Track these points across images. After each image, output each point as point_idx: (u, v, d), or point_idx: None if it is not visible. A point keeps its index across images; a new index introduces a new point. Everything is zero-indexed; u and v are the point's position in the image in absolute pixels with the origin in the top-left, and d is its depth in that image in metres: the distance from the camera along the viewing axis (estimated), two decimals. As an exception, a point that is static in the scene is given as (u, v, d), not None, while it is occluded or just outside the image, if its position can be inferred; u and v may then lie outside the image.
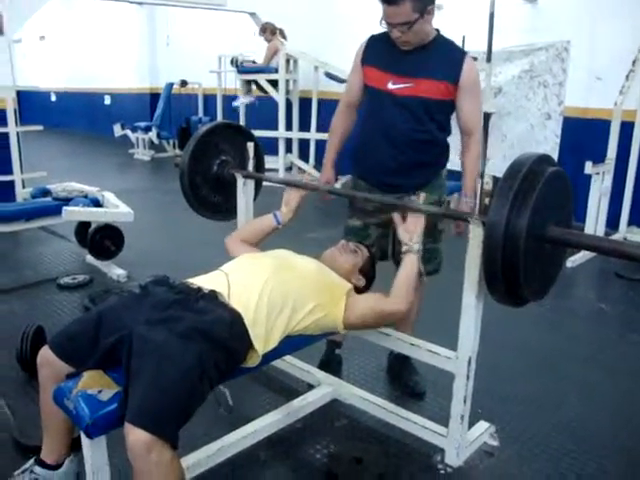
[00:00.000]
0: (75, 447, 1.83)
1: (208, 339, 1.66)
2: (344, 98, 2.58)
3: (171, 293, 1.85)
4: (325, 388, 2.51)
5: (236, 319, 1.79)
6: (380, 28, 2.31)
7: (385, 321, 2.13)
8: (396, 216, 2.11)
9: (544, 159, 1.75)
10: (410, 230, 2.09)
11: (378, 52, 2.40)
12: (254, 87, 7.91)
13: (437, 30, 2.35)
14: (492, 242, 1.66)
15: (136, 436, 1.44)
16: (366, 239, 2.50)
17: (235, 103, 7.85)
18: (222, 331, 1.71)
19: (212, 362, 1.65)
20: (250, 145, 2.64)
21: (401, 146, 2.37)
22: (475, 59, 5.46)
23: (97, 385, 1.60)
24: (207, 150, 2.62)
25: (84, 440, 1.60)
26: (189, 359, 1.58)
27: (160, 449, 1.46)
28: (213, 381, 1.67)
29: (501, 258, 1.65)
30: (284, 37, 7.55)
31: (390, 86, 2.33)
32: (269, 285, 1.91)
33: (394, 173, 2.39)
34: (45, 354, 1.78)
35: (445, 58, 2.30)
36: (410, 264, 2.07)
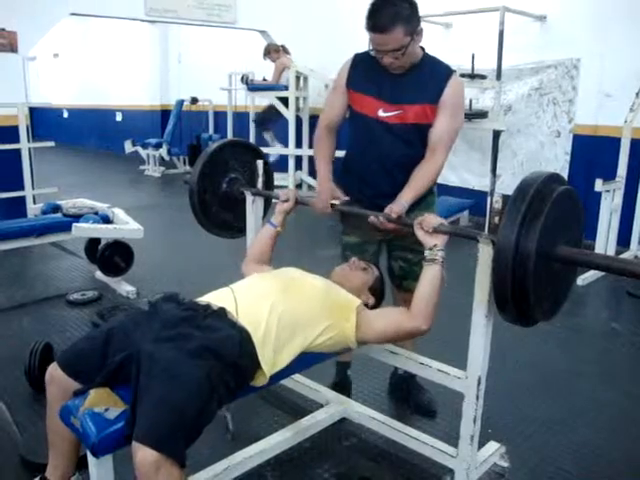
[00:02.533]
0: (81, 466, 1.82)
1: (217, 357, 1.65)
2: (324, 120, 2.50)
3: (179, 310, 1.84)
4: (334, 407, 2.49)
5: (245, 338, 1.77)
6: None
7: (404, 338, 2.07)
8: (416, 223, 1.99)
9: (553, 178, 1.73)
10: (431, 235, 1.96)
11: (365, 76, 2.33)
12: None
13: (422, 48, 2.30)
14: (501, 264, 1.64)
15: (144, 454, 1.43)
16: (363, 254, 2.48)
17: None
18: (232, 349, 1.70)
19: (221, 380, 1.64)
20: (259, 163, 2.64)
21: (394, 171, 2.34)
22: (484, 77, 5.54)
23: (104, 403, 1.59)
24: (216, 168, 2.63)
25: (90, 459, 1.59)
26: (198, 377, 1.57)
27: (168, 468, 1.45)
28: (222, 399, 1.66)
29: (511, 279, 1.63)
30: (287, 52, 7.60)
31: (381, 114, 2.29)
32: (279, 307, 1.89)
33: (387, 196, 2.29)
34: (53, 371, 1.77)
35: (430, 80, 2.25)
36: (433, 276, 1.94)
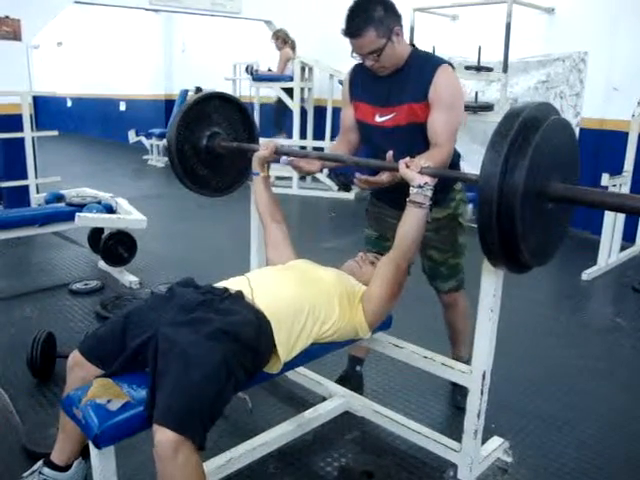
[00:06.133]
0: (86, 453, 1.82)
1: (235, 340, 1.66)
2: (341, 126, 2.53)
3: (197, 294, 1.85)
4: (337, 400, 2.48)
5: (262, 321, 1.78)
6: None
7: (399, 285, 2.00)
8: (402, 162, 1.93)
9: (547, 106, 1.63)
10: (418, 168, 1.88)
11: (362, 84, 2.35)
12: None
13: (413, 45, 2.29)
14: (486, 196, 1.50)
15: (163, 436, 1.45)
16: (384, 250, 2.47)
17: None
18: (249, 332, 1.71)
19: (238, 363, 1.65)
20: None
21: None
22: (491, 70, 5.50)
23: (106, 395, 1.59)
24: (199, 119, 2.52)
25: (92, 450, 1.58)
26: (216, 360, 1.58)
27: (187, 450, 1.46)
28: (239, 382, 1.66)
29: (496, 213, 1.50)
30: (293, 49, 7.55)
31: (377, 119, 2.29)
32: (294, 295, 1.90)
33: (401, 195, 2.27)
34: (76, 356, 1.80)
35: (417, 78, 2.20)
36: (418, 222, 1.91)
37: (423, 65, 2.22)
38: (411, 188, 1.90)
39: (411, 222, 1.92)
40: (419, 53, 2.28)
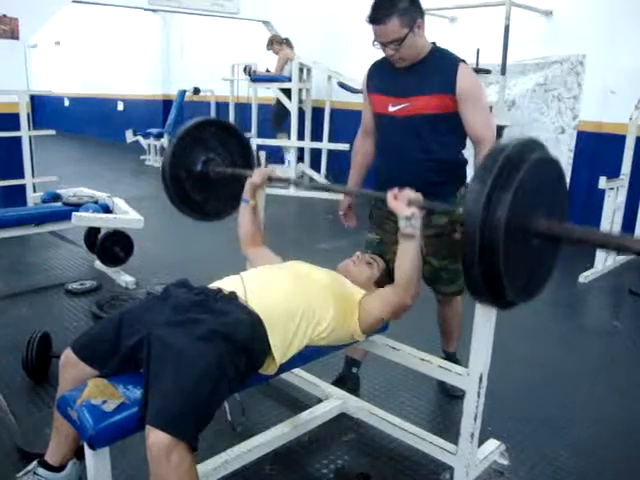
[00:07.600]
0: (81, 454, 1.81)
1: (228, 341, 1.65)
2: (361, 127, 2.61)
3: (191, 294, 1.85)
4: (333, 402, 2.47)
5: (255, 321, 1.77)
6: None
7: (399, 314, 2.02)
8: (390, 194, 1.90)
9: (533, 142, 1.59)
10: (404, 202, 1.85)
11: (380, 78, 2.42)
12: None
13: (433, 43, 2.34)
14: (469, 231, 1.47)
15: (156, 437, 1.44)
16: (384, 254, 2.46)
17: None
18: (242, 333, 1.70)
19: (232, 364, 1.64)
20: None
21: (406, 166, 2.35)
22: (489, 72, 5.50)
23: (101, 395, 1.58)
24: (195, 144, 2.50)
25: (87, 451, 1.57)
26: (209, 361, 1.58)
27: (180, 452, 1.46)
28: (232, 384, 1.66)
29: (479, 249, 1.46)
30: (291, 46, 7.56)
31: (390, 109, 2.35)
32: (287, 296, 1.89)
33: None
34: (68, 355, 1.79)
35: (438, 70, 2.27)
36: (412, 254, 1.88)
37: (443, 60, 2.30)
38: (399, 220, 1.87)
39: (406, 256, 1.90)
40: (439, 49, 2.35)
